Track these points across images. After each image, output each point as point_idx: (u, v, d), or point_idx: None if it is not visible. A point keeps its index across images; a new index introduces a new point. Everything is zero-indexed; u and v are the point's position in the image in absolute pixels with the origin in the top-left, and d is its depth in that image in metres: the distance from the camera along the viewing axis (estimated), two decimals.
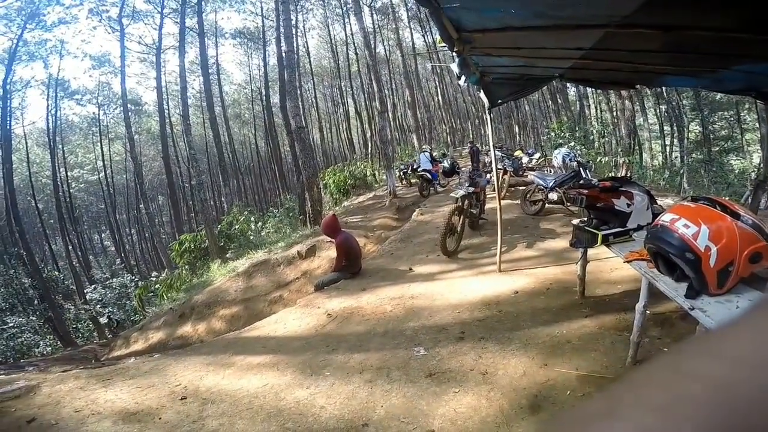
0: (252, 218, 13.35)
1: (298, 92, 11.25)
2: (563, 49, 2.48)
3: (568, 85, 17.80)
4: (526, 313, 3.16)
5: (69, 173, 26.86)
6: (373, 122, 24.02)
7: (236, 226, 12.24)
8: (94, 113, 28.48)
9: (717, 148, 15.67)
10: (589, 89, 18.74)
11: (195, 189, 15.19)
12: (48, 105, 23.76)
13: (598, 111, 20.87)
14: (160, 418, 2.47)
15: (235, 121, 33.90)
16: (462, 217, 5.21)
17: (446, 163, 10.53)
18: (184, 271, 11.32)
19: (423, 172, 11.41)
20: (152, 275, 13.97)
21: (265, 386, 2.70)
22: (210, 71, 18.48)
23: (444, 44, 2.43)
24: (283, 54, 12.01)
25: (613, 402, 0.19)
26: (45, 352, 12.25)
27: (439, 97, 31.22)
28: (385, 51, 28.91)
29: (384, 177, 15.31)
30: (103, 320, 14.30)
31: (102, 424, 2.45)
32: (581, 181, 4.78)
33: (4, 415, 2.69)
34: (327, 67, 32.51)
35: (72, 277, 20.08)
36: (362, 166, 19.26)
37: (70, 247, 22.93)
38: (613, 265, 3.70)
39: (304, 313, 4.10)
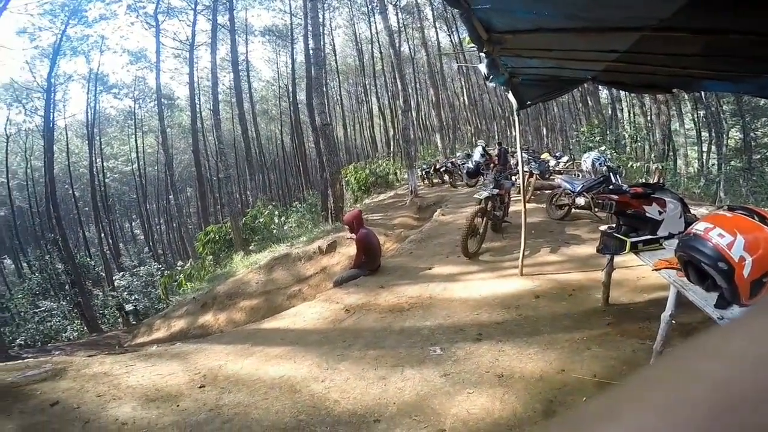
0: (276, 212, 13.55)
1: (324, 89, 11.35)
2: (596, 51, 2.41)
3: (599, 87, 17.26)
4: (546, 318, 3.10)
5: (105, 164, 28.07)
6: (396, 121, 24.39)
7: (260, 220, 12.44)
8: (130, 107, 29.80)
9: (758, 156, 14.85)
10: (622, 92, 18.09)
11: (222, 182, 15.66)
12: (88, 98, 24.87)
13: (631, 115, 20.14)
14: (178, 405, 2.53)
15: (263, 117, 34.60)
16: (485, 218, 5.15)
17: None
18: (207, 262, 11.65)
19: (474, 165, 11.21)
20: (178, 264, 14.42)
21: (282, 378, 2.74)
22: (240, 68, 19.00)
23: (473, 44, 2.41)
24: (311, 51, 12.16)
25: (615, 403, 0.19)
26: (72, 337, 12.66)
27: (465, 97, 30.82)
28: (410, 50, 28.74)
29: (405, 176, 15.29)
30: (129, 307, 14.84)
31: (122, 409, 2.52)
32: (611, 187, 4.66)
33: (29, 397, 2.79)
34: (352, 65, 32.70)
35: (102, 264, 20.99)
36: (384, 165, 19.25)
37: (102, 235, 23.93)
38: (639, 274, 3.59)
39: (323, 308, 4.16)
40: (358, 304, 4.04)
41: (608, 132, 15.98)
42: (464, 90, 30.22)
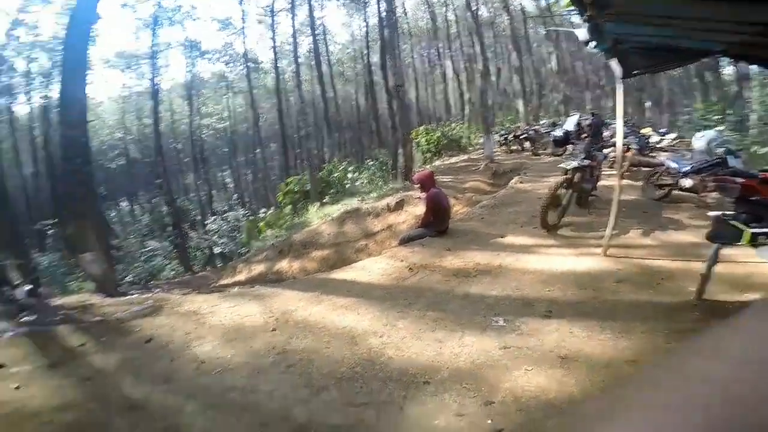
0: (350, 168, 14.03)
1: (397, 52, 11.30)
2: (733, 22, 1.97)
3: (723, 60, 14.43)
4: (626, 304, 2.83)
5: (201, 121, 31.18)
6: (472, 85, 23.78)
7: (335, 174, 13.01)
8: (221, 70, 32.22)
9: None
10: (754, 68, 14.79)
11: (302, 139, 16.49)
12: (186, 63, 27.74)
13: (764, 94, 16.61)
14: (251, 347, 2.74)
15: (339, 79, 35.33)
16: (571, 190, 4.74)
17: (559, 132, 9.64)
18: (286, 211, 12.57)
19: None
20: (261, 212, 15.69)
21: (345, 329, 2.85)
22: (317, 32, 19.68)
23: (568, 8, 2.13)
24: (384, 14, 12.00)
25: (619, 402, 0.19)
26: (169, 276, 14.17)
27: (553, 64, 28.16)
28: (490, 13, 26.96)
29: (481, 141, 14.81)
30: (217, 250, 16.50)
31: (203, 348, 2.79)
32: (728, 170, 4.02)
33: (130, 333, 3.15)
34: (425, 29, 32.40)
35: (198, 209, 23.80)
36: (457, 128, 18.74)
37: (199, 183, 27.28)
38: (749, 270, 3.06)
39: (388, 264, 4.21)
40: (423, 264, 4.02)
41: (730, 111, 13.49)
42: (553, 56, 27.56)
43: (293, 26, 15.34)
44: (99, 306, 4.22)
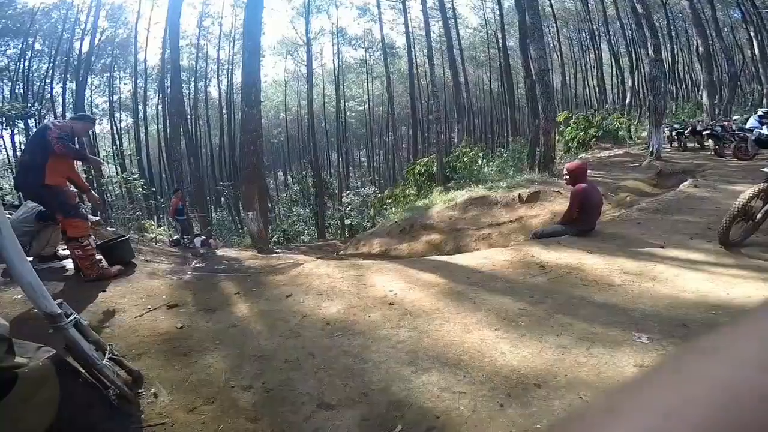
0: (480, 154, 13.65)
1: (539, 35, 10.47)
2: None
3: None
4: None
5: (345, 104, 34.36)
6: (638, 71, 21.76)
7: (464, 159, 12.84)
8: (362, 56, 34.84)
9: None
10: None
11: (432, 123, 16.65)
12: (333, 50, 30.86)
13: None
14: (369, 316, 2.84)
15: (470, 63, 34.88)
16: None
17: (765, 130, 7.69)
18: (411, 191, 13.00)
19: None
20: (388, 190, 16.52)
21: (458, 315, 2.76)
22: (447, 16, 19.95)
23: None
24: None
25: (616, 403, 0.18)
26: (305, 240, 15.92)
27: (753, 50, 22.22)
28: None
29: (644, 134, 12.80)
30: (347, 222, 17.91)
31: (330, 310, 2.99)
32: None
33: (274, 287, 3.43)
34: (572, 10, 30.16)
35: (337, 182, 26.52)
36: (613, 118, 16.38)
37: (340, 160, 30.38)
38: None
39: (515, 257, 3.94)
40: (557, 264, 3.65)
41: None
42: (754, 42, 21.85)
43: (424, 10, 15.87)
44: (253, 259, 4.92)
